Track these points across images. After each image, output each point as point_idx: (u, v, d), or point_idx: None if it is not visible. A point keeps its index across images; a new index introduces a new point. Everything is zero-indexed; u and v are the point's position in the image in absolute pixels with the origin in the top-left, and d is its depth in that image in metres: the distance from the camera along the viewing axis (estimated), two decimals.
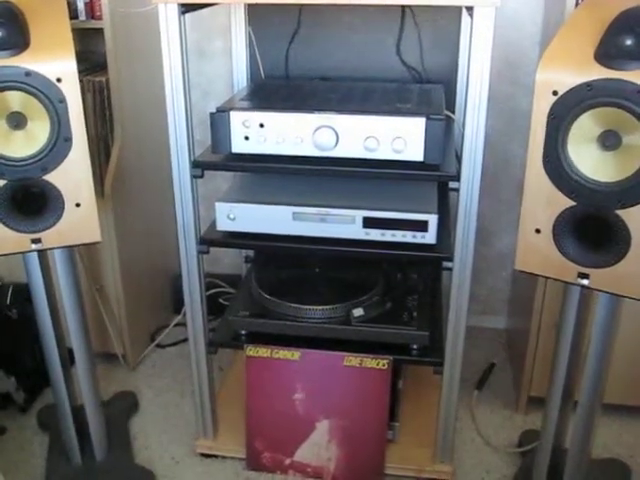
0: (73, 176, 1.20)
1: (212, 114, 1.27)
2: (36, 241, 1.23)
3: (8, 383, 1.71)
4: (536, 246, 1.12)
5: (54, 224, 1.22)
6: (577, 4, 1.37)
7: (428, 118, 1.21)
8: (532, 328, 1.63)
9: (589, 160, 1.04)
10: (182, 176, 1.33)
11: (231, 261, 2.21)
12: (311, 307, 1.44)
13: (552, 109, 1.03)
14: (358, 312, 1.43)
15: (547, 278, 1.15)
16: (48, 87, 1.13)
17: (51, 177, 1.19)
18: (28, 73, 1.12)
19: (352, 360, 1.43)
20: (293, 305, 1.45)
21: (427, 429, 1.61)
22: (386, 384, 1.44)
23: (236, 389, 1.75)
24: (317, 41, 1.73)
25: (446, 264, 1.33)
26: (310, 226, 1.35)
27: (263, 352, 1.46)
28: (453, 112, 1.71)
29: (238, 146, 1.29)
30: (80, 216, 1.23)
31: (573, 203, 1.06)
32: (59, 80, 1.13)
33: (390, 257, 1.35)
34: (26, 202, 1.21)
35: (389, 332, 1.41)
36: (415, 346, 1.42)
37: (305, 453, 1.53)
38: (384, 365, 1.42)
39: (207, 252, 1.40)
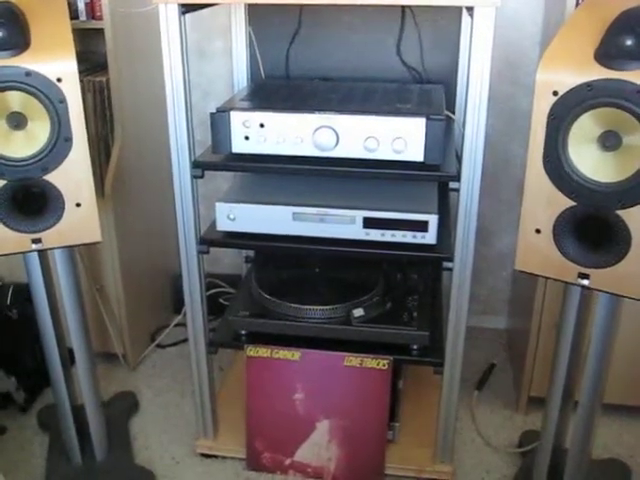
0: (73, 176, 1.20)
1: (212, 114, 1.27)
2: (36, 241, 1.23)
3: (8, 383, 1.71)
4: (536, 246, 1.12)
5: (54, 224, 1.22)
6: (577, 4, 1.37)
7: (428, 118, 1.21)
8: (532, 328, 1.63)
9: (589, 160, 1.04)
10: (182, 176, 1.33)
11: (231, 261, 2.21)
12: (311, 307, 1.44)
13: (552, 109, 1.03)
14: (358, 312, 1.43)
15: (547, 278, 1.15)
16: (48, 87, 1.13)
17: (51, 177, 1.19)
18: (28, 73, 1.12)
19: (352, 360, 1.43)
20: (293, 305, 1.45)
21: (427, 429, 1.61)
22: (386, 384, 1.44)
23: (236, 389, 1.75)
24: (317, 41, 1.73)
25: (446, 264, 1.33)
26: (310, 226, 1.35)
27: (263, 352, 1.46)
28: (453, 112, 1.71)
29: (238, 146, 1.29)
30: (80, 216, 1.23)
31: (573, 203, 1.06)
32: (59, 80, 1.13)
33: (390, 257, 1.35)
34: (26, 202, 1.21)
35: (389, 332, 1.41)
36: (415, 346, 1.42)
37: (305, 453, 1.53)
38: (384, 365, 1.42)
39: (207, 252, 1.40)
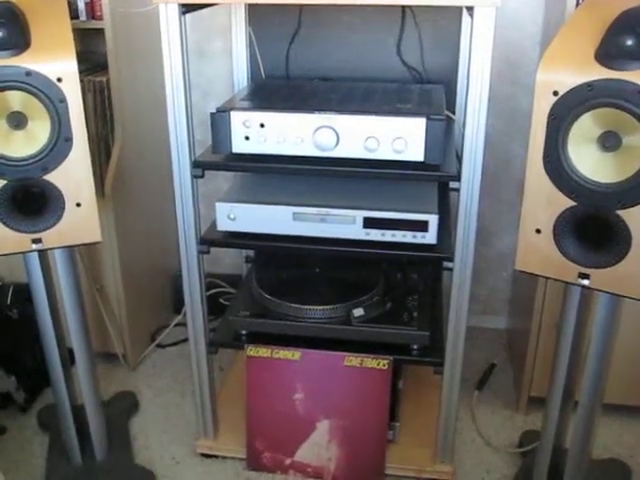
0: (74, 176, 1.20)
1: (212, 114, 1.27)
2: (36, 241, 1.23)
3: (8, 383, 1.71)
4: (536, 246, 1.12)
5: (54, 224, 1.22)
6: (578, 4, 1.37)
7: (428, 118, 1.21)
8: (532, 328, 1.63)
9: (589, 161, 1.04)
10: (182, 176, 1.33)
11: (231, 261, 2.21)
12: (311, 307, 1.44)
13: (552, 109, 1.03)
14: (358, 312, 1.43)
15: (547, 278, 1.15)
16: (49, 87, 1.13)
17: (52, 177, 1.19)
18: (29, 73, 1.12)
19: (352, 360, 1.43)
20: (293, 305, 1.45)
21: (427, 429, 1.61)
22: (386, 384, 1.44)
23: (236, 389, 1.75)
24: (318, 41, 1.73)
25: (446, 264, 1.33)
26: (310, 226, 1.35)
27: (263, 352, 1.46)
28: (453, 112, 1.71)
29: (238, 146, 1.29)
30: (80, 216, 1.23)
31: (573, 203, 1.06)
32: (60, 80, 1.13)
33: (390, 257, 1.35)
34: (26, 202, 1.21)
35: (389, 332, 1.41)
36: (415, 346, 1.42)
37: (305, 453, 1.53)
38: (384, 365, 1.42)
39: (207, 252, 1.40)
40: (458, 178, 1.24)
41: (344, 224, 1.34)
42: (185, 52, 1.24)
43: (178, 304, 2.07)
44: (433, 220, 1.30)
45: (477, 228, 1.28)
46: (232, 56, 1.76)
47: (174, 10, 1.20)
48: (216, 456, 1.60)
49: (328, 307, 1.44)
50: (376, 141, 1.24)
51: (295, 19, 1.72)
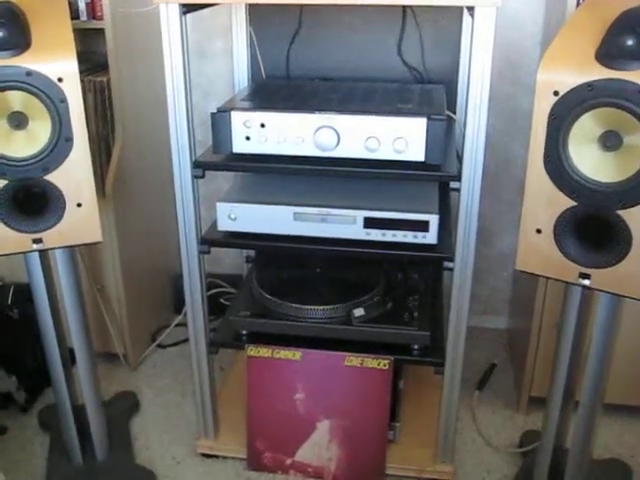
0: (74, 176, 1.20)
1: (213, 114, 1.27)
2: (37, 241, 1.23)
3: (9, 383, 1.71)
4: (537, 246, 1.12)
5: (55, 224, 1.22)
6: (578, 4, 1.37)
7: (429, 118, 1.21)
8: (533, 328, 1.63)
9: (590, 160, 1.04)
10: (183, 176, 1.33)
11: (232, 261, 2.21)
12: (312, 307, 1.44)
13: (553, 109, 1.03)
14: (359, 312, 1.43)
15: (548, 278, 1.15)
16: (49, 87, 1.13)
17: (52, 177, 1.19)
18: (29, 73, 1.12)
19: (353, 360, 1.43)
20: (294, 305, 1.45)
21: (428, 429, 1.61)
22: (387, 384, 1.44)
23: (237, 389, 1.75)
24: (318, 41, 1.73)
25: (447, 264, 1.33)
26: (311, 226, 1.35)
27: (264, 352, 1.46)
28: (454, 112, 1.71)
29: (239, 146, 1.29)
30: (81, 216, 1.23)
31: (574, 203, 1.06)
32: (60, 80, 1.13)
33: (391, 257, 1.35)
34: (27, 202, 1.21)
35: (390, 332, 1.41)
36: (416, 346, 1.42)
37: (306, 453, 1.53)
38: (385, 365, 1.42)
39: (208, 252, 1.40)
40: (459, 178, 1.24)
41: (345, 224, 1.34)
42: (186, 52, 1.24)
43: (179, 304, 2.07)
44: (434, 220, 1.30)
45: (478, 228, 1.28)
46: (233, 56, 1.76)
47: (175, 10, 1.21)
48: (217, 456, 1.60)
49: (329, 307, 1.44)
50: (377, 141, 1.24)
51: (296, 19, 1.72)
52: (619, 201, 1.02)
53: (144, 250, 1.95)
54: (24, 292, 1.70)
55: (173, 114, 1.28)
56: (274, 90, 1.49)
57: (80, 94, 1.16)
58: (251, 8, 1.71)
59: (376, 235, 1.34)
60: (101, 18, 1.60)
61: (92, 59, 1.77)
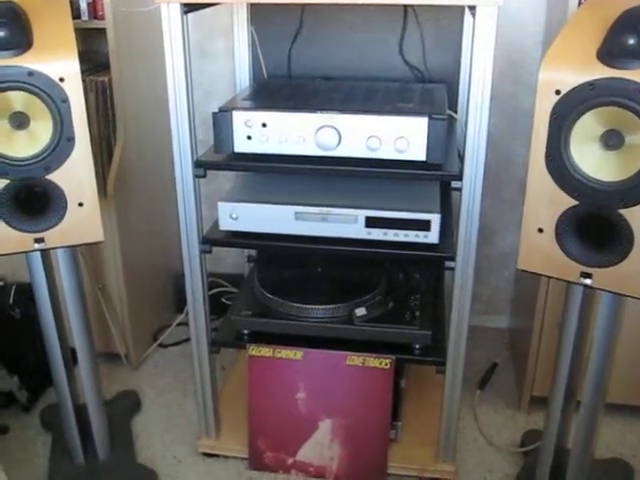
0: (76, 176, 1.20)
1: (214, 114, 1.27)
2: (39, 241, 1.23)
3: (11, 382, 1.72)
4: (539, 245, 1.12)
5: (57, 224, 1.22)
6: (580, 3, 1.37)
7: (431, 118, 1.21)
8: (535, 328, 1.63)
9: (592, 159, 1.04)
10: (184, 176, 1.33)
11: (233, 261, 2.21)
12: (314, 306, 1.44)
13: (555, 108, 1.03)
14: (360, 311, 1.43)
15: (550, 277, 1.15)
16: (51, 87, 1.13)
17: (54, 177, 1.19)
18: (31, 73, 1.12)
19: (355, 359, 1.43)
20: (296, 304, 1.45)
21: (430, 428, 1.61)
22: (389, 383, 1.44)
23: (238, 389, 1.75)
24: (319, 40, 1.73)
25: (448, 264, 1.32)
26: (312, 226, 1.35)
27: (266, 351, 1.46)
28: (455, 111, 1.71)
29: (240, 146, 1.29)
30: (83, 216, 1.23)
31: (576, 202, 1.06)
32: (62, 80, 1.14)
33: (392, 257, 1.35)
34: (29, 202, 1.21)
35: (392, 331, 1.41)
36: (418, 345, 1.42)
37: (308, 452, 1.53)
38: (387, 364, 1.42)
39: (210, 252, 1.40)
40: (460, 177, 1.24)
41: (346, 223, 1.34)
42: (187, 52, 1.24)
43: (180, 304, 2.08)
44: (435, 219, 1.30)
45: (479, 227, 1.28)
46: (234, 56, 1.76)
47: (176, 10, 1.21)
48: (218, 455, 1.60)
49: (330, 306, 1.44)
50: (378, 140, 1.24)
51: (297, 18, 1.72)
52: (621, 200, 1.02)
53: (146, 250, 1.95)
54: (26, 292, 1.70)
55: (174, 114, 1.28)
56: (275, 89, 1.49)
57: (82, 94, 1.16)
58: (252, 8, 1.72)
59: (377, 234, 1.34)
60: (102, 18, 1.60)
61: (93, 59, 1.78)
